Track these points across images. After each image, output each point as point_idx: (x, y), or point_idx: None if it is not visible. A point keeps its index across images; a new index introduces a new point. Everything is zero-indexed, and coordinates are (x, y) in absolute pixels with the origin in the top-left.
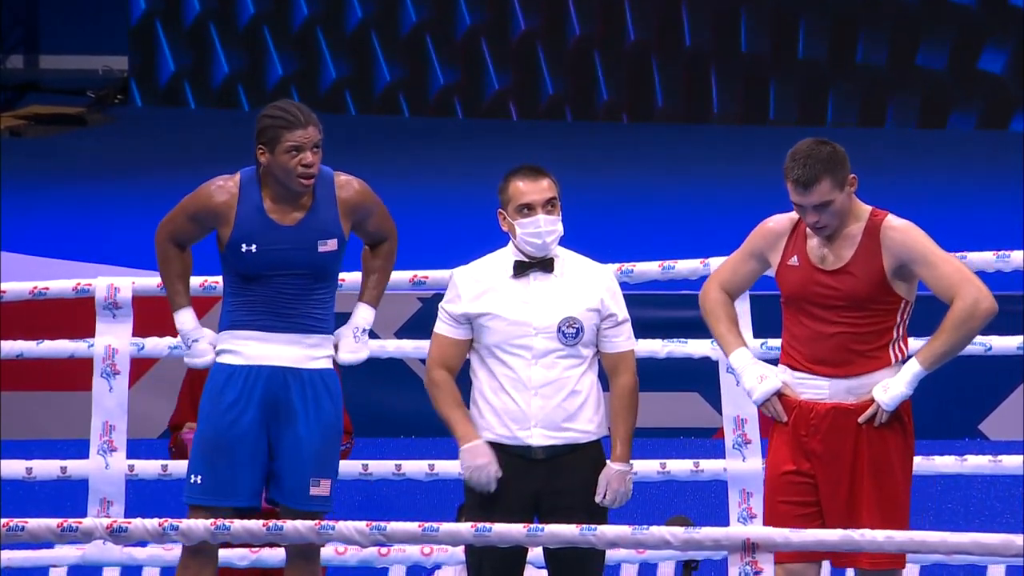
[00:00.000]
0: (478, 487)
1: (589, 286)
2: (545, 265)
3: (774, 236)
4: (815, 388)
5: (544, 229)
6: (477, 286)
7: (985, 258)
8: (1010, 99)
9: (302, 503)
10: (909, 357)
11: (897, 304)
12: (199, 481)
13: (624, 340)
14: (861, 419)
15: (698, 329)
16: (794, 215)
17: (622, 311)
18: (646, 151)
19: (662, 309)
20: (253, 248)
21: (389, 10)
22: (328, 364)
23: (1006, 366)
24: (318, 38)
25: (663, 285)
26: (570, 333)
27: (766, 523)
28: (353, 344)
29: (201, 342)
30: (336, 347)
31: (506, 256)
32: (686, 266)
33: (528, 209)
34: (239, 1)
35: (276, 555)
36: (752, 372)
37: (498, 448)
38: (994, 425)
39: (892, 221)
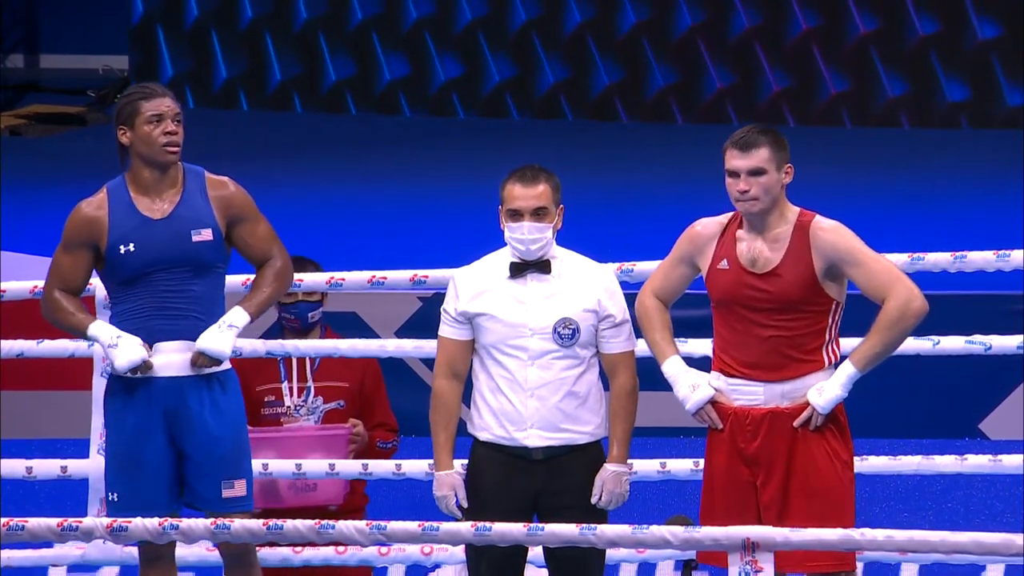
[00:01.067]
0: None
1: (586, 287)
2: (542, 266)
3: (702, 240)
4: (750, 394)
5: (528, 237)
6: (475, 286)
7: (985, 257)
8: None
9: (217, 507)
10: (843, 358)
11: (828, 305)
12: (115, 498)
13: (623, 341)
14: (796, 423)
15: (698, 329)
16: (723, 219)
17: (621, 312)
18: (646, 150)
19: None
20: (131, 247)
21: (391, 9)
22: (225, 365)
23: (1006, 366)
24: (319, 39)
25: None
26: (566, 334)
27: None
28: (216, 335)
29: (125, 337)
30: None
31: (504, 256)
32: None
33: (516, 214)
34: (239, 2)
35: (276, 554)
36: (684, 381)
37: (497, 448)
38: (994, 424)
39: (821, 222)
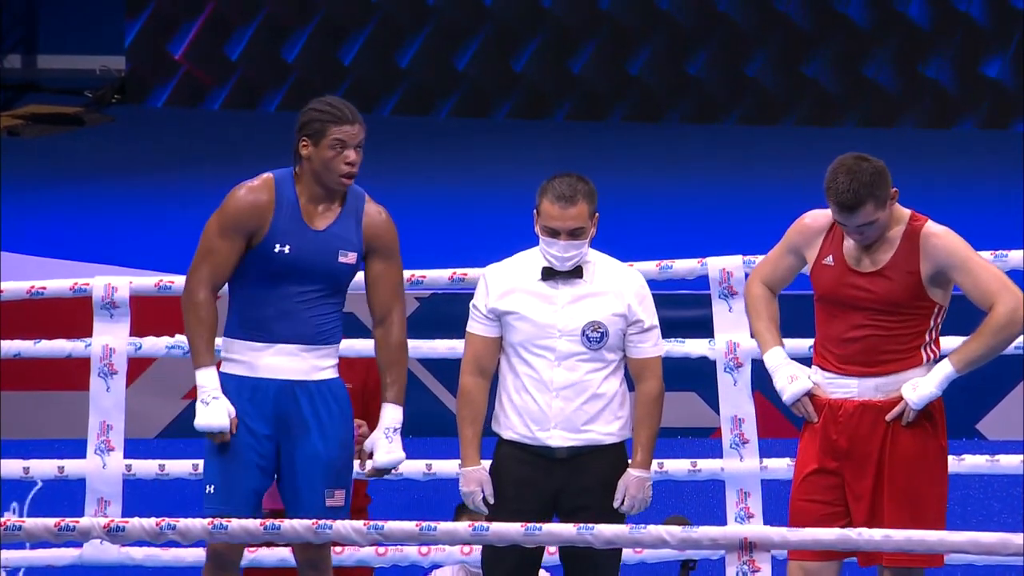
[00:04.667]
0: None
1: (617, 291)
2: (574, 270)
3: (811, 233)
4: (844, 388)
5: (564, 255)
6: (506, 283)
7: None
8: None
9: (317, 516)
10: (942, 357)
11: (931, 309)
12: (212, 491)
13: (650, 347)
14: (889, 416)
15: (696, 328)
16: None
17: (650, 318)
18: (646, 151)
19: (660, 309)
20: (287, 249)
21: None
22: (335, 374)
23: (1005, 366)
24: None
25: (661, 285)
26: (594, 337)
27: (790, 522)
28: (388, 446)
29: (221, 400)
30: (371, 453)
31: (537, 256)
32: (684, 266)
33: (552, 232)
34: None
35: (274, 555)
36: (784, 372)
37: (520, 447)
38: (992, 424)
39: (932, 227)
